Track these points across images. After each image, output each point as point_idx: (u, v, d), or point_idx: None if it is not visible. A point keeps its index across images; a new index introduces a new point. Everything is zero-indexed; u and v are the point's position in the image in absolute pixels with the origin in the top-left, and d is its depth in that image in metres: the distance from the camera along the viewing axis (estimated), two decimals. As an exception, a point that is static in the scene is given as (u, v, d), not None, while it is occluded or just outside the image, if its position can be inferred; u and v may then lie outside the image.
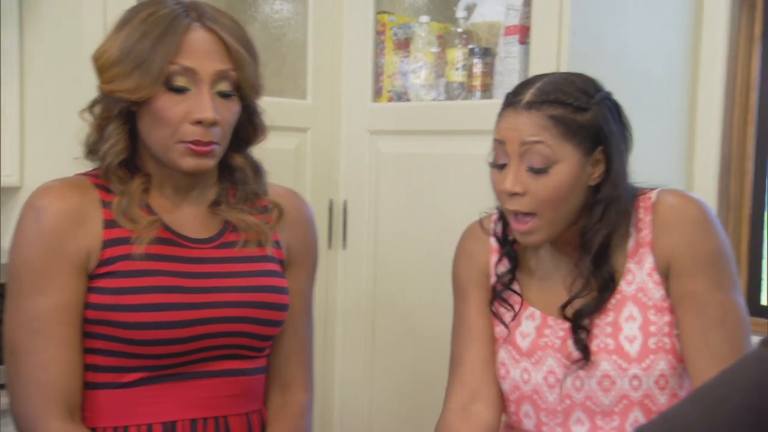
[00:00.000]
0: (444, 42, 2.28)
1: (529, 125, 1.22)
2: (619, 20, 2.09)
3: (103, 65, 1.19)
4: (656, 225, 1.28)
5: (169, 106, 1.17)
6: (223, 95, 1.20)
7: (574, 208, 1.26)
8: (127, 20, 1.20)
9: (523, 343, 1.34)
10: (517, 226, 1.26)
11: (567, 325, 1.30)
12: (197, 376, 1.24)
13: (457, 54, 2.19)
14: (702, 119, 2.32)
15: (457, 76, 2.20)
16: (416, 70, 2.29)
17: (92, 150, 1.25)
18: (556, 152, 1.22)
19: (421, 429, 2.19)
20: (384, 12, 2.36)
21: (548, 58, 1.96)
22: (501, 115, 1.28)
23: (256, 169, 1.31)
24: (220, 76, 1.19)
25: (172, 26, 1.16)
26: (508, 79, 2.08)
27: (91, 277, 1.20)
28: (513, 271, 1.37)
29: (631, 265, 1.28)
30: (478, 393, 1.36)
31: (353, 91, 2.37)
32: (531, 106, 1.23)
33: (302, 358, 1.39)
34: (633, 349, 1.25)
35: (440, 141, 2.22)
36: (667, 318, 1.26)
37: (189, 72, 1.17)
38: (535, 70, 1.97)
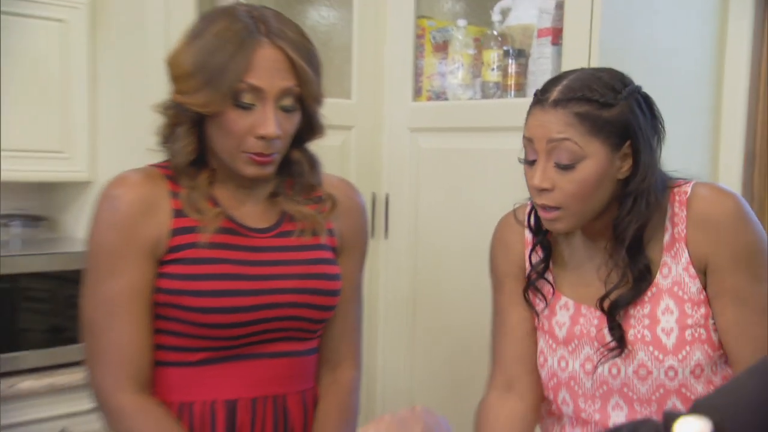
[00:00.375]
0: (480, 44, 2.25)
1: (555, 123, 1.18)
2: (648, 20, 2.06)
3: (177, 76, 1.17)
4: (691, 220, 1.22)
5: (236, 119, 1.16)
6: (286, 109, 1.18)
7: (602, 201, 1.22)
8: (200, 31, 1.17)
9: (560, 333, 1.31)
10: (543, 215, 1.23)
11: (600, 313, 1.27)
12: (256, 356, 1.24)
13: (492, 55, 2.18)
14: (727, 114, 2.29)
15: (493, 76, 2.18)
16: (454, 71, 2.28)
17: (164, 141, 1.25)
18: (583, 148, 1.18)
19: (459, 407, 2.21)
20: (423, 17, 2.35)
21: (580, 59, 1.92)
22: (530, 112, 1.24)
23: (312, 163, 1.30)
24: (285, 93, 1.17)
25: (243, 45, 1.14)
26: (540, 78, 2.01)
27: (161, 263, 1.20)
28: (546, 260, 1.33)
29: (667, 259, 1.23)
30: (512, 384, 1.34)
31: (394, 91, 2.35)
32: (557, 103, 1.19)
33: (351, 339, 1.38)
34: (669, 341, 1.21)
35: (477, 137, 2.20)
36: (703, 311, 1.22)
37: (256, 90, 1.15)
38: (566, 70, 1.97)
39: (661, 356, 1.20)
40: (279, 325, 1.24)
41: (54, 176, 2.14)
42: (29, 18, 2.04)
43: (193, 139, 1.20)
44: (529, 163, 1.23)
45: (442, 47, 2.31)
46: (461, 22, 2.28)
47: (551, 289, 1.32)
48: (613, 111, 1.18)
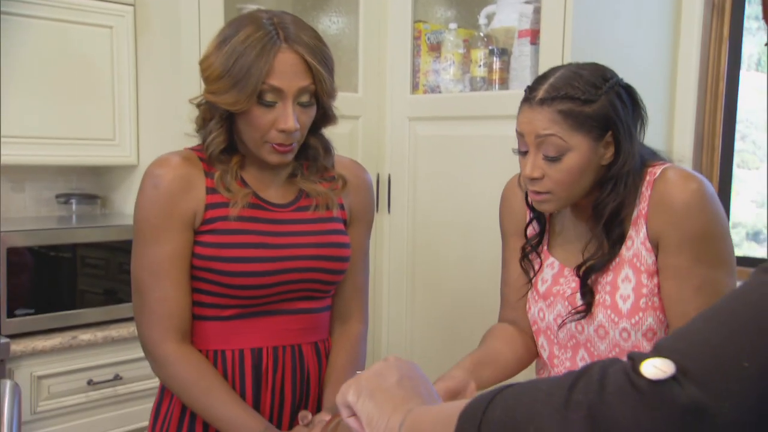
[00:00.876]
0: (469, 44, 2.25)
1: (542, 120, 1.16)
2: (613, 23, 2.07)
3: (208, 77, 1.17)
4: (652, 199, 1.18)
5: (260, 116, 1.16)
6: (304, 105, 1.18)
7: (587, 184, 1.19)
8: (229, 37, 1.16)
9: (541, 287, 1.30)
10: (533, 197, 1.22)
11: (572, 272, 1.26)
12: (278, 312, 1.24)
13: (479, 54, 2.18)
14: (680, 104, 2.28)
15: (480, 72, 2.19)
16: (446, 68, 2.27)
17: (199, 130, 1.26)
18: (567, 142, 1.15)
19: (453, 355, 2.25)
20: (420, 21, 2.35)
21: (554, 56, 1.93)
22: (520, 109, 1.21)
23: (327, 148, 1.30)
24: (302, 91, 1.17)
25: (266, 49, 1.13)
26: (521, 73, 2.07)
27: (197, 232, 1.20)
28: (541, 234, 1.31)
29: (632, 233, 1.21)
30: (515, 321, 1.35)
31: (395, 86, 2.35)
32: (543, 102, 1.15)
33: (359, 297, 1.38)
34: (625, 306, 1.19)
35: (467, 125, 2.21)
36: (656, 281, 1.19)
37: (277, 90, 1.14)
38: (543, 66, 1.94)
39: (616, 319, 1.19)
40: (297, 287, 1.24)
41: (105, 160, 2.15)
42: (83, 25, 2.05)
43: (223, 131, 1.20)
44: (522, 153, 1.21)
45: (436, 47, 2.31)
46: (452, 26, 2.27)
47: (544, 249, 1.31)
48: (594, 106, 1.15)
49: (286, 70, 1.14)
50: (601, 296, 1.21)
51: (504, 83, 2.16)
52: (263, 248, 1.21)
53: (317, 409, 1.29)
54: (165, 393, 1.28)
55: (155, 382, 1.98)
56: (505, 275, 1.38)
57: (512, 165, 2.01)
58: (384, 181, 2.36)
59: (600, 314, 1.21)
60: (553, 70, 1.20)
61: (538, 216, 1.31)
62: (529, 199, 1.25)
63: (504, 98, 2.10)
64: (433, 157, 2.29)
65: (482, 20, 2.22)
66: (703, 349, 0.49)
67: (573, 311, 1.22)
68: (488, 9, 2.22)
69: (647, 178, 1.20)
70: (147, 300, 1.19)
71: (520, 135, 1.19)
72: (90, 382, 1.93)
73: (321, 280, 1.26)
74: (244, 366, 1.22)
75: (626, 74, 1.22)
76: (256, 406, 1.23)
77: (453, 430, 0.59)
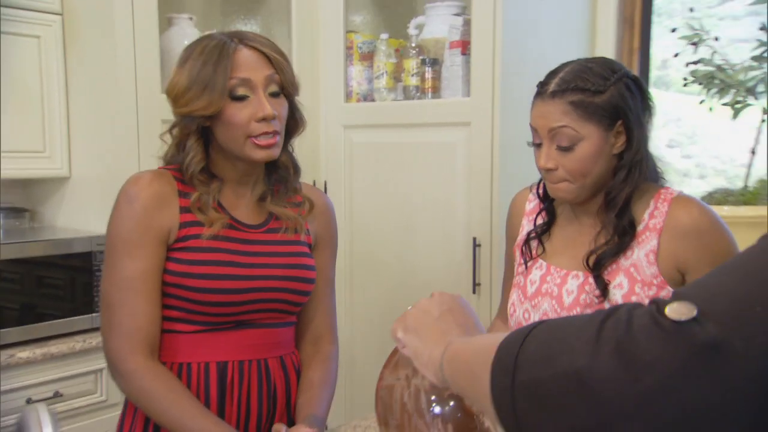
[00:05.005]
0: (400, 54, 2.29)
1: (554, 112, 1.18)
2: (536, 36, 2.15)
3: (177, 95, 1.19)
4: (671, 222, 1.19)
5: (235, 112, 1.18)
6: (274, 95, 1.20)
7: (601, 173, 1.21)
8: (187, 56, 1.20)
9: (530, 289, 1.31)
10: (550, 186, 1.24)
11: (564, 272, 1.27)
12: (244, 328, 1.25)
13: (411, 63, 2.22)
14: None
15: (412, 80, 2.23)
16: (379, 77, 2.31)
17: (169, 162, 1.27)
18: (579, 132, 1.17)
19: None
20: (351, 31, 2.38)
21: (485, 66, 2.01)
22: (533, 103, 1.23)
23: (296, 169, 1.32)
24: (269, 80, 1.19)
25: (224, 51, 1.17)
26: (453, 83, 2.13)
27: (170, 249, 1.21)
28: (549, 223, 1.33)
29: (633, 244, 1.21)
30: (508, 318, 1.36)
31: (329, 94, 2.37)
32: (555, 95, 1.18)
33: (328, 319, 1.40)
34: None
35: (399, 132, 2.25)
36: (651, 292, 1.20)
37: (246, 82, 1.17)
38: (474, 76, 2.04)
39: None
40: (264, 306, 1.26)
41: (36, 173, 2.08)
42: (9, 35, 1.98)
43: (201, 149, 1.21)
44: (536, 146, 1.22)
45: (368, 57, 2.34)
46: (384, 36, 2.31)
47: (535, 251, 1.32)
48: (604, 96, 1.17)
49: (249, 62, 1.18)
50: (590, 298, 1.22)
51: (436, 92, 2.21)
52: (234, 266, 1.22)
53: (288, 422, 1.29)
54: (128, 409, 1.27)
55: (96, 398, 1.97)
56: (506, 275, 1.43)
57: (446, 170, 2.13)
58: (320, 187, 2.37)
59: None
60: (562, 66, 1.23)
61: (548, 210, 1.32)
62: (548, 188, 1.26)
63: (436, 106, 2.18)
64: (368, 164, 2.33)
65: (412, 31, 2.26)
66: (720, 296, 0.53)
67: (592, 294, 1.21)
68: (418, 20, 2.28)
69: (661, 196, 1.22)
70: (117, 314, 1.19)
71: (534, 129, 1.21)
72: (29, 401, 1.86)
73: (287, 300, 1.28)
74: (209, 379, 1.23)
75: None
76: (221, 418, 1.22)
77: (492, 361, 0.62)
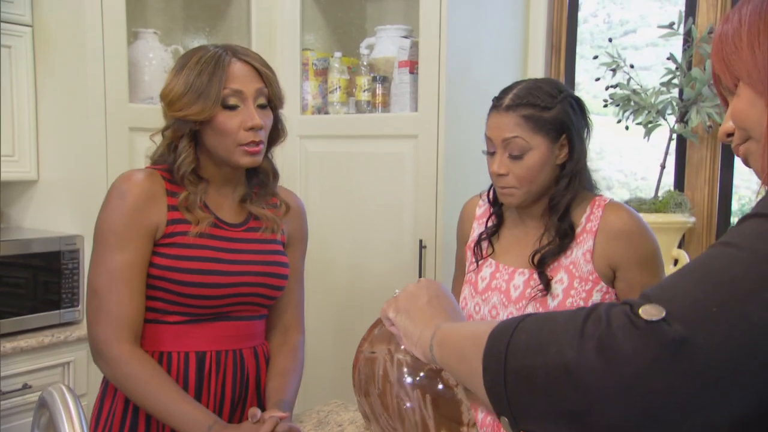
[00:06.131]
0: (352, 71, 2.44)
1: (508, 124, 1.28)
2: (477, 58, 2.32)
3: (172, 99, 1.24)
4: (604, 225, 1.29)
5: (226, 120, 1.23)
6: (261, 107, 1.27)
7: (546, 181, 1.30)
8: (183, 64, 1.26)
9: (481, 285, 1.39)
10: (500, 191, 1.33)
11: (511, 269, 1.36)
12: (222, 320, 1.30)
13: (363, 80, 2.37)
14: None
15: (364, 96, 2.38)
16: (333, 92, 2.44)
17: (157, 161, 1.32)
18: (529, 142, 1.27)
19: (344, 352, 2.38)
20: (307, 49, 2.51)
21: (432, 84, 2.16)
22: (489, 115, 1.33)
23: (275, 173, 1.38)
24: (259, 93, 1.26)
25: (220, 62, 1.23)
26: (401, 99, 2.28)
27: (156, 244, 1.25)
28: (498, 226, 1.42)
29: (572, 244, 1.32)
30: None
31: (286, 107, 2.21)
32: (509, 108, 1.28)
33: (296, 311, 1.45)
34: (553, 303, 1.30)
35: (352, 143, 2.37)
36: (587, 287, 1.30)
37: (237, 93, 1.23)
38: (422, 93, 2.20)
39: (542, 311, 1.26)
40: (243, 299, 1.31)
41: (5, 176, 2.11)
42: None
43: (192, 151, 1.27)
44: (490, 153, 1.33)
45: (323, 73, 2.48)
46: (337, 54, 2.46)
47: (485, 251, 1.41)
48: (552, 112, 1.28)
49: (242, 75, 1.25)
50: (535, 292, 1.31)
51: (386, 106, 2.37)
52: (217, 263, 1.28)
53: (258, 406, 1.36)
54: (107, 393, 1.31)
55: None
56: (455, 275, 1.53)
57: (395, 178, 2.29)
58: (276, 193, 2.49)
59: (530, 307, 1.31)
60: (515, 84, 1.34)
61: (497, 214, 1.43)
62: (497, 193, 1.36)
63: (385, 120, 2.34)
64: (323, 172, 2.44)
65: (364, 50, 2.42)
66: (684, 298, 0.59)
67: (536, 288, 1.30)
68: (368, 40, 2.43)
69: (596, 202, 1.33)
70: (104, 303, 1.23)
71: (489, 138, 1.32)
72: (-1, 393, 1.93)
73: (264, 294, 1.35)
74: (188, 367, 1.28)
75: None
76: (199, 402, 1.27)
77: (483, 348, 0.68)
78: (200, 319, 1.29)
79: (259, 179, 1.37)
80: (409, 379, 0.89)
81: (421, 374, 0.89)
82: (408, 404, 0.89)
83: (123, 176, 1.28)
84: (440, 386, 0.90)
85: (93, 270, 1.26)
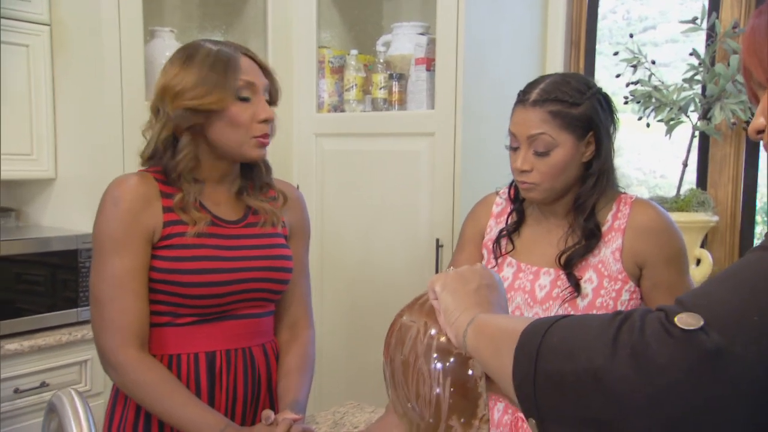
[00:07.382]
0: (369, 69, 2.42)
1: (534, 120, 1.24)
2: (495, 54, 2.28)
3: (181, 90, 1.21)
4: (632, 223, 1.27)
5: (240, 112, 1.23)
6: (268, 102, 1.29)
7: (570, 179, 1.27)
8: (190, 57, 1.24)
9: (504, 284, 1.34)
10: (522, 186, 1.29)
11: (535, 269, 1.32)
12: (229, 318, 1.29)
13: (379, 78, 2.35)
14: None
15: (380, 93, 2.35)
16: (349, 89, 2.42)
17: (149, 158, 1.28)
18: (555, 139, 1.23)
19: (359, 355, 2.39)
20: (323, 47, 2.49)
21: (449, 80, 2.13)
22: (514, 110, 1.28)
23: (267, 166, 1.37)
24: (266, 87, 1.28)
25: (233, 57, 1.24)
26: (418, 96, 2.25)
27: (155, 247, 1.24)
28: (519, 223, 1.38)
29: (600, 243, 1.29)
30: None
31: (302, 105, 2.47)
32: (535, 103, 1.24)
33: (304, 304, 1.43)
34: (582, 303, 1.27)
35: (368, 141, 2.35)
36: (617, 286, 1.27)
37: (250, 85, 1.24)
38: (438, 90, 2.16)
39: (572, 312, 1.24)
40: (248, 296, 1.29)
41: (23, 174, 2.13)
42: (0, 44, 2.03)
43: (193, 147, 1.24)
44: (514, 149, 1.28)
45: (339, 71, 2.46)
46: (353, 51, 2.44)
47: (504, 249, 1.37)
48: (580, 109, 1.23)
49: (252, 69, 1.26)
50: (564, 291, 1.28)
51: (402, 104, 2.33)
52: (218, 261, 1.26)
53: (270, 405, 1.35)
54: (118, 399, 1.29)
55: (81, 388, 2.03)
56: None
57: (411, 176, 2.26)
58: (293, 192, 2.48)
59: (559, 308, 1.27)
60: (542, 78, 1.30)
61: (518, 210, 1.39)
62: (519, 190, 1.33)
63: (402, 118, 2.31)
64: (338, 170, 2.43)
65: (380, 48, 2.40)
66: (722, 306, 0.57)
67: (565, 290, 1.27)
68: (385, 38, 2.41)
69: (623, 200, 1.30)
70: (107, 311, 1.21)
71: (513, 134, 1.28)
72: (17, 391, 1.93)
73: (268, 289, 1.33)
74: (199, 368, 1.27)
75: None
76: (211, 405, 1.26)
77: (515, 344, 0.66)
78: (207, 319, 1.27)
79: (253, 173, 1.35)
80: (436, 356, 0.88)
81: (451, 358, 0.88)
82: (427, 382, 0.87)
83: (115, 182, 1.26)
84: (465, 374, 0.88)
85: (93, 279, 1.24)
